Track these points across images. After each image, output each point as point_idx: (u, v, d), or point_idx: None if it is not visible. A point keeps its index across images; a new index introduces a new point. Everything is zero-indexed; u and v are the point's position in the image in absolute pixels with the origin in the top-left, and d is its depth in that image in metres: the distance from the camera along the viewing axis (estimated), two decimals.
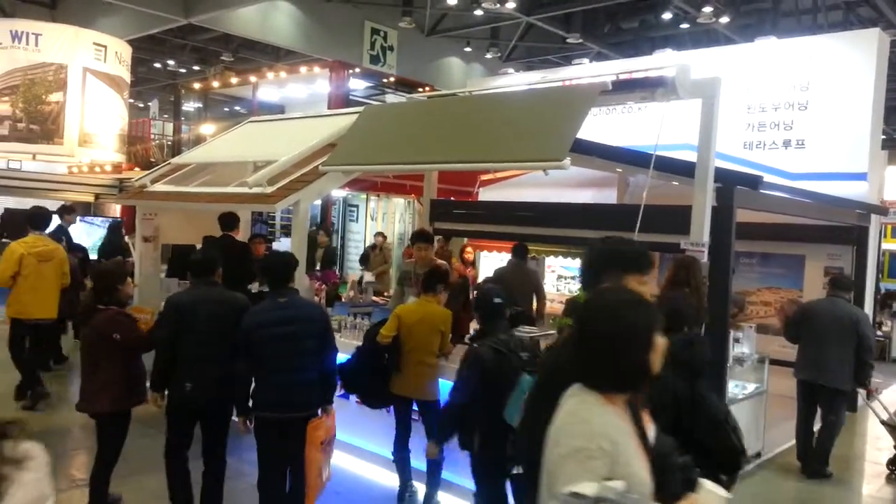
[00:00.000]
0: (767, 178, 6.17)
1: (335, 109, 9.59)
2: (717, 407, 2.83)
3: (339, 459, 5.06)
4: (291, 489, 4.08)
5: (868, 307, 7.41)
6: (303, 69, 13.31)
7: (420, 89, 12.88)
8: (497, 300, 3.88)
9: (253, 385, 4.07)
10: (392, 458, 4.83)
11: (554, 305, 9.19)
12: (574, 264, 9.45)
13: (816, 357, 5.73)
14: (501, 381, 3.50)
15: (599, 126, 8.82)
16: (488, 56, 19.59)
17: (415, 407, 4.73)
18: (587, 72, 10.07)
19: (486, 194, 9.96)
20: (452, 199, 9.02)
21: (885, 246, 10.21)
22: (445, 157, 5.23)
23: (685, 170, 5.40)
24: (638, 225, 4.71)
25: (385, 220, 13.16)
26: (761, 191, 5.70)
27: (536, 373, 3.12)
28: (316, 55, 15.71)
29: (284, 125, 7.86)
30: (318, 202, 12.27)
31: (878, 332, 9.65)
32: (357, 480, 5.16)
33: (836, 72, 7.81)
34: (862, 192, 7.43)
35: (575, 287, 8.84)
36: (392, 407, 4.79)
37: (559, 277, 10.40)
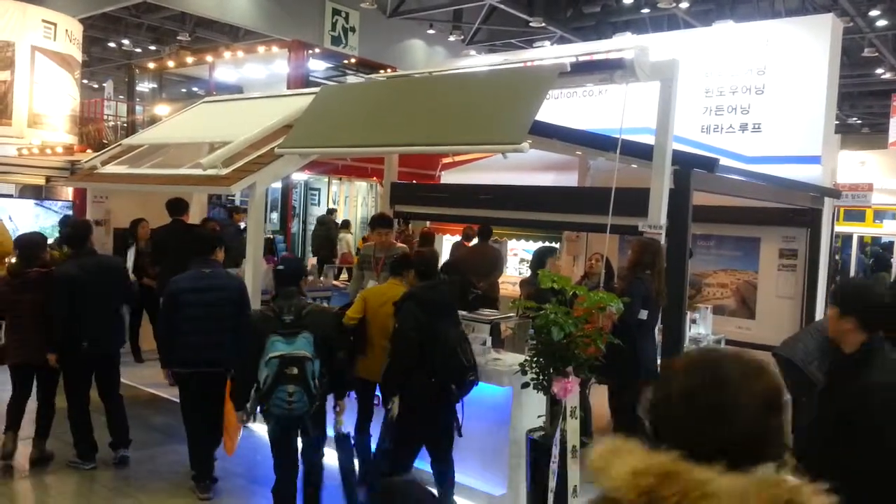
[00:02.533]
0: (724, 161, 6.23)
1: (294, 90, 9.42)
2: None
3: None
4: (209, 431, 4.65)
5: (821, 288, 7.58)
6: (261, 49, 13.02)
7: (382, 71, 12.73)
8: (279, 268, 4.25)
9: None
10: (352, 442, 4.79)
11: (515, 288, 9.22)
12: (534, 247, 9.49)
13: None
14: (258, 342, 3.85)
15: (562, 109, 8.82)
16: (451, 39, 19.48)
17: (378, 392, 4.69)
18: (548, 54, 10.05)
19: (448, 177, 9.91)
20: (414, 182, 8.96)
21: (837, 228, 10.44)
22: (403, 140, 5.17)
23: (644, 153, 5.43)
24: (611, 208, 4.74)
25: (347, 203, 13.03)
26: (718, 174, 5.76)
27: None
28: (275, 35, 15.41)
29: (241, 105, 7.69)
30: (279, 185, 12.08)
31: None
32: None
33: (791, 57, 7.91)
34: (816, 175, 7.57)
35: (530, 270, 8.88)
36: (353, 391, 4.75)
37: (521, 260, 10.44)
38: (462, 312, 5.07)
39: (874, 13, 16.67)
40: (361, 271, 6.09)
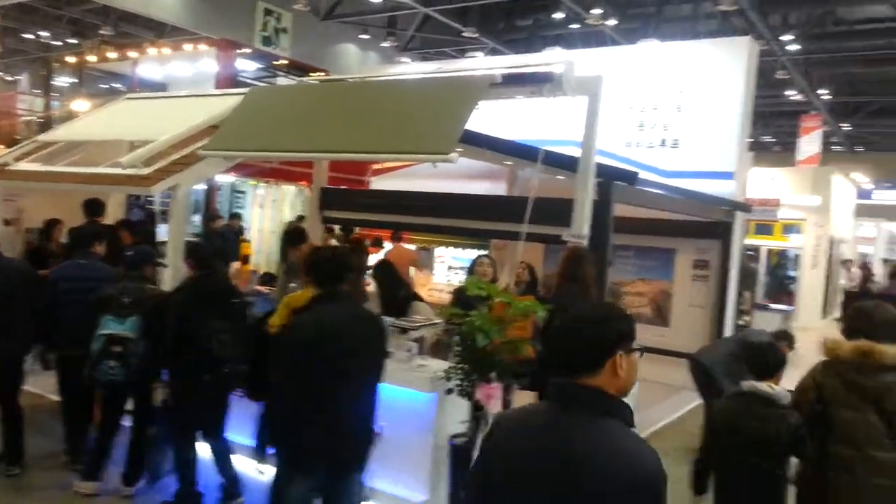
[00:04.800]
0: (643, 174, 6.47)
1: (222, 90, 9.23)
2: None
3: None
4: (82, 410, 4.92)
5: (732, 298, 7.96)
6: (188, 47, 12.70)
7: (313, 74, 12.61)
8: (128, 253, 4.74)
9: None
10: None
11: (443, 296, 9.30)
12: (464, 255, 9.59)
13: None
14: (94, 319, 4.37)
15: (494, 118, 8.95)
16: (385, 45, 19.48)
17: None
18: (480, 65, 10.20)
19: (378, 183, 9.91)
20: (344, 187, 8.92)
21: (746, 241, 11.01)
22: (332, 147, 5.15)
23: (569, 164, 5.59)
24: (527, 216, 4.86)
25: (275, 207, 12.82)
26: (638, 187, 5.99)
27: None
28: (203, 33, 15.06)
29: (165, 104, 7.48)
30: (204, 187, 11.78)
31: None
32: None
33: (709, 76, 8.30)
34: (729, 190, 7.96)
35: (464, 277, 8.97)
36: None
37: (449, 268, 10.52)
38: (389, 319, 5.09)
39: (787, 37, 17.64)
40: (287, 277, 6.02)
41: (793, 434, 3.17)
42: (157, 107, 7.30)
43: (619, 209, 5.94)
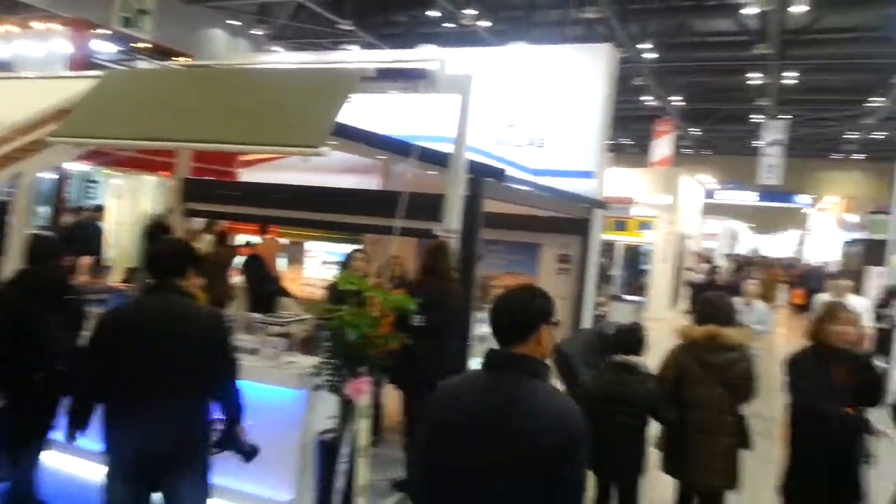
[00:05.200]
0: (512, 172, 6.70)
1: (75, 72, 8.59)
2: None
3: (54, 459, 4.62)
4: None
5: (590, 290, 8.43)
6: (38, 25, 11.71)
7: (177, 59, 12.01)
8: None
9: None
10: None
11: (316, 291, 9.18)
12: (337, 249, 9.50)
13: None
14: None
15: (370, 113, 8.92)
16: (257, 32, 18.86)
17: None
18: (355, 58, 10.13)
19: (247, 175, 9.60)
20: (209, 178, 8.57)
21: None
22: (195, 136, 4.93)
23: (442, 160, 5.70)
24: (401, 212, 4.90)
25: (134, 198, 12.09)
26: (506, 184, 6.20)
27: None
28: (56, 11, 13.92)
29: (11, 85, 6.85)
30: (54, 176, 10.92)
31: None
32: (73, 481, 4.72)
33: (573, 80, 8.71)
34: (590, 188, 8.41)
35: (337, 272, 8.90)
36: None
37: (322, 262, 10.38)
38: (256, 315, 4.97)
39: (644, 46, 18.82)
40: (146, 273, 5.71)
41: (650, 396, 3.97)
42: (2, 88, 6.69)
43: (490, 205, 6.13)
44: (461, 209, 5.51)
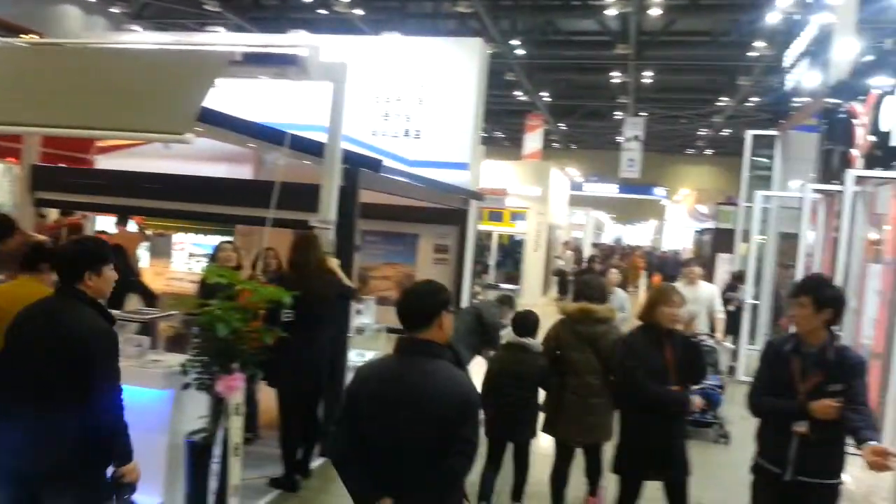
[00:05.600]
0: (388, 162, 6.68)
1: None
2: None
3: None
4: None
5: (468, 279, 8.60)
6: None
7: (24, 36, 10.98)
8: None
9: None
10: None
11: (184, 285, 8.73)
12: (207, 241, 9.08)
13: None
14: None
15: (242, 99, 8.58)
16: (115, 10, 17.61)
17: None
18: (222, 40, 9.70)
19: (105, 162, 8.95)
20: (62, 165, 7.91)
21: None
22: (46, 120, 4.53)
23: (316, 150, 5.58)
24: (274, 202, 4.75)
25: None
26: (382, 174, 6.17)
27: None
28: None
29: None
30: None
31: None
32: None
33: (447, 73, 8.80)
34: (465, 180, 8.55)
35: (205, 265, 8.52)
36: None
37: (190, 255, 9.90)
38: (116, 312, 4.65)
39: (514, 42, 19.36)
40: None
41: (541, 371, 4.62)
42: None
43: (368, 196, 6.08)
44: (337, 200, 5.43)
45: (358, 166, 5.72)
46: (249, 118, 6.39)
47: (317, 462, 5.50)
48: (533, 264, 17.40)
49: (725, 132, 29.65)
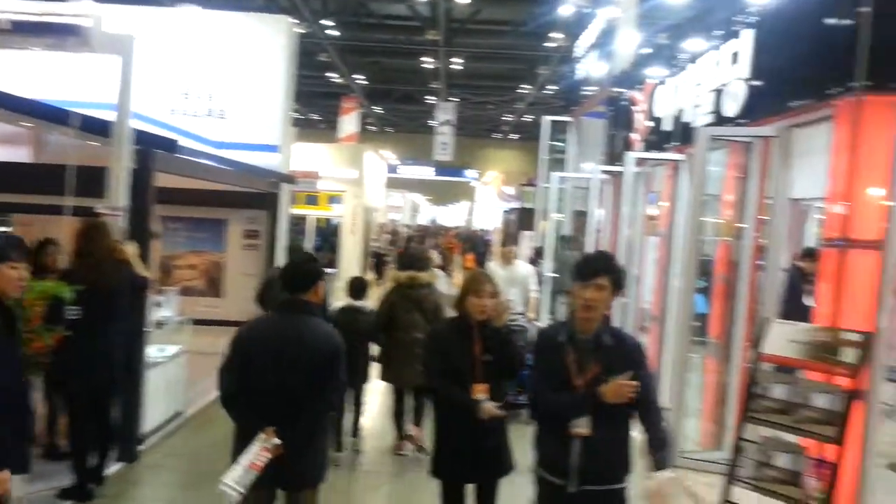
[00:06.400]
0: (190, 144, 6.33)
1: None
2: None
3: None
4: None
5: (280, 265, 8.40)
6: None
7: None
8: None
9: None
10: None
11: None
12: None
13: None
14: None
15: (15, 72, 7.66)
16: None
17: None
18: None
19: None
20: None
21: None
22: None
23: (103, 130, 5.15)
24: (58, 188, 4.35)
25: None
26: (181, 156, 5.84)
27: None
28: None
29: None
30: None
31: None
32: None
33: (253, 50, 8.47)
34: (275, 162, 8.33)
35: None
36: None
37: None
38: None
39: (327, 22, 19.07)
40: None
41: (371, 328, 5.58)
42: None
43: (168, 179, 5.73)
44: (128, 184, 5.06)
45: (151, 147, 5.35)
46: (25, 94, 5.76)
47: (114, 467, 5.14)
48: (350, 247, 17.40)
49: (528, 118, 31.47)
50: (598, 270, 2.88)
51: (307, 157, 15.92)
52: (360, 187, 17.90)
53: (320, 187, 15.77)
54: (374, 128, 37.69)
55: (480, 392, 3.49)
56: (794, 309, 5.78)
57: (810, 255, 6.36)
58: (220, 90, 8.41)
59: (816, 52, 4.75)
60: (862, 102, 4.18)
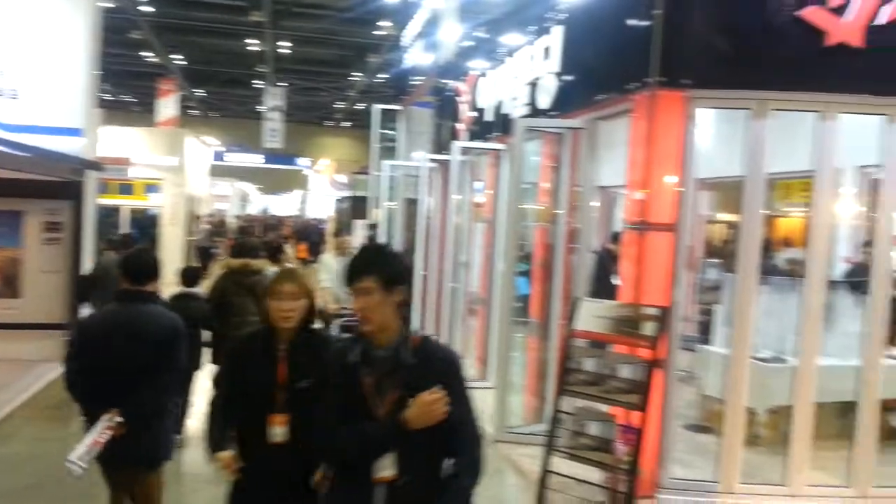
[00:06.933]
0: None
1: None
2: None
3: None
4: None
5: (87, 260, 7.75)
6: None
7: None
8: None
9: None
10: None
11: None
12: None
13: None
14: None
15: None
16: None
17: None
18: None
19: None
20: None
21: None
22: None
23: None
24: None
25: None
26: None
27: None
28: None
29: None
30: None
31: None
32: None
33: (49, 24, 7.68)
34: (78, 147, 7.61)
35: None
36: None
37: None
38: None
39: None
40: None
41: (203, 314, 5.57)
42: None
43: None
44: None
45: None
46: None
47: None
48: (171, 239, 16.36)
49: (360, 106, 31.36)
50: (358, 272, 2.28)
51: (119, 142, 14.71)
52: (180, 175, 16.84)
53: (134, 175, 14.67)
54: (196, 112, 35.69)
55: (278, 424, 2.69)
56: (603, 288, 6.26)
57: (616, 238, 6.90)
58: (12, 67, 7.54)
59: (617, 49, 5.14)
60: (656, 97, 4.59)
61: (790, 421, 4.84)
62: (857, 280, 5.71)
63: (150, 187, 15.42)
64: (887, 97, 4.60)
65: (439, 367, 2.32)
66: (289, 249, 22.42)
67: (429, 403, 2.18)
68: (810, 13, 4.44)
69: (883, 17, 4.43)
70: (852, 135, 4.83)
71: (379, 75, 24.94)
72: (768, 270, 6.18)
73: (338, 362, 2.35)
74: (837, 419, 5.35)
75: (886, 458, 4.96)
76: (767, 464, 5.11)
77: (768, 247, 8.17)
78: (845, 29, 4.44)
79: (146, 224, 15.55)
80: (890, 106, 4.64)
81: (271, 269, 6.26)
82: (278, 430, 2.70)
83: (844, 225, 7.42)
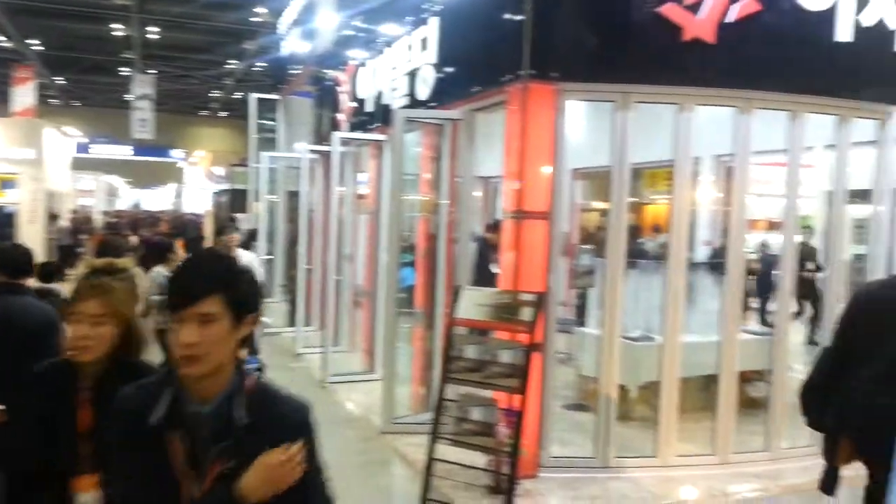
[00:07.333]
0: None
1: None
2: None
3: None
4: None
5: None
6: None
7: None
8: None
9: None
10: None
11: None
12: None
13: None
14: None
15: None
16: None
17: None
18: None
19: None
20: None
21: None
22: None
23: None
24: None
25: None
26: None
27: None
28: None
29: None
30: None
31: None
32: None
33: None
34: None
35: None
36: None
37: None
38: None
39: None
40: None
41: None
42: None
43: None
44: None
45: None
46: None
47: None
48: (30, 238, 15.14)
49: (237, 95, 30.22)
50: (195, 291, 1.57)
51: None
52: (39, 169, 15.61)
53: None
54: (56, 101, 33.18)
55: (85, 489, 2.02)
56: (484, 276, 6.39)
57: (495, 226, 7.06)
58: None
59: (491, 42, 5.24)
60: (528, 89, 4.72)
61: (659, 396, 5.15)
62: (715, 262, 6.15)
63: (6, 183, 14.21)
64: (738, 90, 4.96)
65: (286, 425, 1.66)
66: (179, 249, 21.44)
67: (275, 466, 1.58)
68: (668, 9, 4.70)
69: (732, 15, 4.77)
70: (709, 126, 5.18)
71: (256, 63, 24.14)
72: (637, 255, 6.54)
73: (132, 425, 1.61)
74: (701, 392, 5.75)
75: (745, 427, 5.40)
76: (640, 438, 5.42)
77: (636, 233, 8.65)
78: (699, 25, 4.73)
79: (1, 223, 14.33)
80: (740, 98, 5.00)
81: (158, 271, 5.93)
82: (88, 498, 2.00)
83: (704, 211, 7.97)
